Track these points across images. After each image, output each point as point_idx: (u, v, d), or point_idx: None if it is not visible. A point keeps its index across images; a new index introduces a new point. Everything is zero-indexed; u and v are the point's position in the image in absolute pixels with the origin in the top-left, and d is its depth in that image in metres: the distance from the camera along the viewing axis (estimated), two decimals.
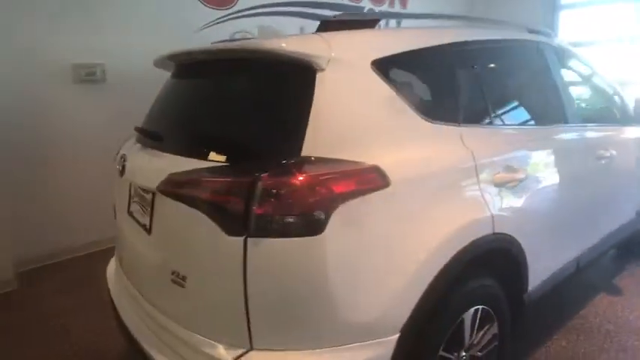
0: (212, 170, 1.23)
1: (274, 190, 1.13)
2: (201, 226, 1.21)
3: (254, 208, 1.12)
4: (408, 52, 1.51)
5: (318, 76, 1.27)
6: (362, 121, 1.32)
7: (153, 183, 1.43)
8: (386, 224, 1.26)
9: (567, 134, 2.14)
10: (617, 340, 2.31)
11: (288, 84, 1.31)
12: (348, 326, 1.21)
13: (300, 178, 1.13)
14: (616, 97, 2.72)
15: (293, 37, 1.41)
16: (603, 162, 2.38)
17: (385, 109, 1.38)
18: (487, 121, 1.72)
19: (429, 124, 1.47)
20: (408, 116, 1.42)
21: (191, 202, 1.24)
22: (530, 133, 1.91)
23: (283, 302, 1.17)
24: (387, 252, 1.26)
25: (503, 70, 1.98)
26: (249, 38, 1.85)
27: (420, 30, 1.69)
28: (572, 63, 2.43)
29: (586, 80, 2.53)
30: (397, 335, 1.28)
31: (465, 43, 1.72)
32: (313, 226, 1.13)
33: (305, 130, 1.21)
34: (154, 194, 1.48)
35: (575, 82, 2.36)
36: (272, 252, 1.14)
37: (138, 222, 1.62)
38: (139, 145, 1.66)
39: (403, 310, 1.29)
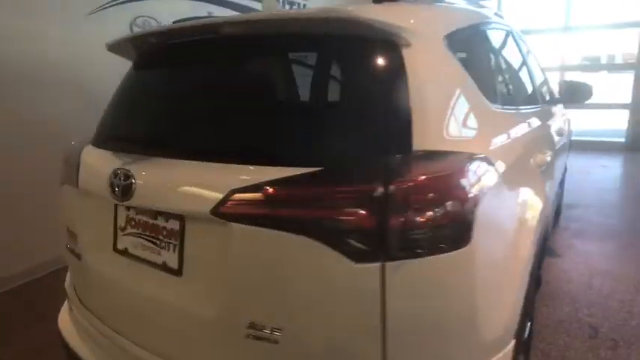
0: (308, 178, 0.91)
1: (416, 196, 0.87)
2: (302, 256, 0.90)
3: (393, 221, 0.85)
4: (463, 29, 1.36)
5: (405, 52, 1.04)
6: (447, 105, 1.13)
7: (186, 205, 1.03)
8: (503, 221, 1.11)
9: (545, 114, 2.26)
10: (580, 299, 2.56)
11: (371, 63, 1.04)
12: (483, 346, 1.03)
13: (444, 177, 0.90)
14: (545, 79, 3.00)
15: (363, 6, 1.12)
16: (556, 139, 2.60)
17: (461, 91, 1.21)
18: (517, 103, 1.68)
19: (491, 106, 1.35)
20: (478, 98, 1.28)
21: (285, 224, 0.90)
22: (537, 114, 1.94)
23: (425, 335, 0.93)
24: (508, 252, 1.11)
25: (508, 52, 1.98)
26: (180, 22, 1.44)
27: (454, 7, 1.55)
28: (528, 47, 2.59)
29: (534, 63, 2.73)
30: (513, 342, 1.15)
31: (491, 22, 1.65)
32: (463, 236, 0.91)
33: (410, 119, 0.97)
34: (183, 221, 1.07)
35: (532, 64, 2.51)
36: (416, 277, 0.89)
37: (145, 261, 1.17)
38: (132, 156, 1.18)
39: (517, 313, 1.16)
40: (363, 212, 0.86)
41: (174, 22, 1.67)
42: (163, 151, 1.12)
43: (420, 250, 0.88)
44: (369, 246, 0.86)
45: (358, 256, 0.86)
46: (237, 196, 0.94)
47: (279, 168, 0.94)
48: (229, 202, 0.94)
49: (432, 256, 0.88)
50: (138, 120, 1.31)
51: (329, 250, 0.87)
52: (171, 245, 1.11)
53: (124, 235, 1.24)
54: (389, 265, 0.86)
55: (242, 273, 0.97)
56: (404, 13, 1.13)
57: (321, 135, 0.99)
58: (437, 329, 0.93)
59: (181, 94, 1.24)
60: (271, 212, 0.92)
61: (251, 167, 0.97)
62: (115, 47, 1.47)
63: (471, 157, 1.01)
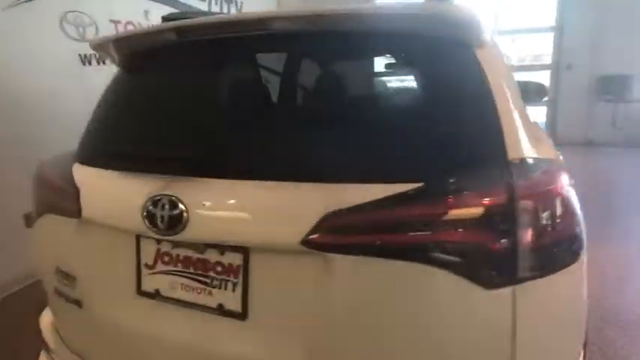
0: (420, 196, 0.79)
1: (543, 210, 0.80)
2: (420, 286, 0.79)
3: (524, 239, 0.77)
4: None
5: (478, 54, 0.97)
6: (519, 109, 1.07)
7: (261, 235, 0.86)
8: (583, 225, 1.07)
9: None
10: None
11: (454, 66, 0.95)
12: (578, 354, 0.98)
13: (561, 187, 0.84)
14: None
15: (433, 2, 1.02)
16: None
17: (518, 94, 1.17)
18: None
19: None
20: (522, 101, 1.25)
21: (400, 252, 0.77)
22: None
23: (545, 352, 0.86)
24: (587, 257, 1.08)
25: None
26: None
27: None
28: None
29: None
30: (582, 352, 1.13)
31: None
32: (579, 247, 0.86)
33: (501, 125, 0.90)
34: (247, 254, 0.89)
35: None
36: (542, 296, 0.82)
37: (188, 304, 0.96)
38: (165, 178, 0.95)
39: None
40: (491, 232, 0.77)
41: (163, 19, 1.45)
42: (213, 170, 0.92)
43: (547, 268, 0.81)
44: (500, 269, 0.78)
45: (489, 281, 0.77)
46: (335, 221, 0.79)
47: (372, 185, 0.82)
48: (325, 229, 0.79)
49: (556, 273, 0.82)
50: (165, 131, 1.07)
51: (454, 278, 0.76)
52: (229, 283, 0.92)
53: (152, 273, 1.01)
54: (519, 287, 0.78)
55: (342, 311, 0.82)
56: (470, 10, 1.06)
57: (415, 145, 0.87)
58: (554, 344, 0.87)
59: (234, 98, 1.03)
60: (382, 238, 0.79)
61: (341, 186, 0.83)
62: (105, 46, 1.22)
63: (561, 165, 0.96)
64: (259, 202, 0.86)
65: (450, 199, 0.79)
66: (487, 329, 0.79)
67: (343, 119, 0.90)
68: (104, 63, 3.48)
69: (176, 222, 0.89)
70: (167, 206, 0.89)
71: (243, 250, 0.90)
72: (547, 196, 0.82)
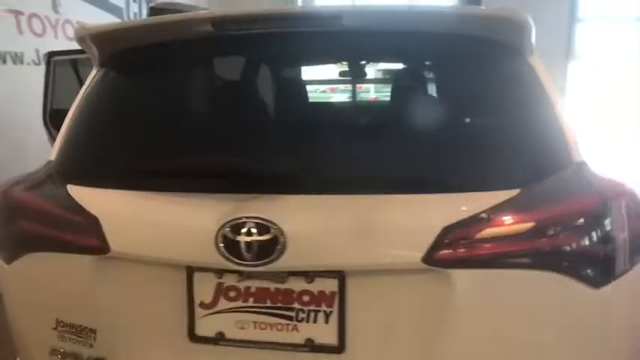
0: (531, 203, 0.78)
1: (630, 208, 0.84)
2: (545, 294, 0.79)
3: (620, 237, 0.81)
4: None
5: (531, 61, 1.00)
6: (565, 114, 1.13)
7: (371, 255, 0.78)
8: None
9: None
10: None
11: (518, 73, 0.96)
12: None
13: (630, 185, 0.89)
14: None
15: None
16: None
17: None
18: None
19: None
20: None
21: (525, 261, 0.76)
22: None
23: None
24: None
25: None
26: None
27: None
28: None
29: None
30: None
31: None
32: None
33: (564, 130, 0.94)
34: (342, 279, 0.79)
35: None
36: (629, 289, 0.85)
37: (264, 344, 0.83)
38: (231, 197, 0.80)
39: None
40: (594, 232, 0.79)
41: (151, 9, 1.25)
42: (304, 185, 0.80)
43: (633, 260, 0.84)
44: (604, 267, 0.80)
45: (597, 281, 0.79)
46: (458, 234, 0.74)
47: (475, 194, 0.79)
48: (448, 243, 0.73)
49: (638, 264, 0.86)
50: (227, 140, 0.90)
51: (572, 282, 0.77)
52: (320, 314, 0.80)
53: (210, 314, 0.84)
54: (616, 282, 0.81)
55: (468, 330, 0.77)
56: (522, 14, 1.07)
57: (505, 153, 0.87)
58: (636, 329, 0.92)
59: (324, 100, 0.89)
60: (501, 248, 0.76)
61: (449, 196, 0.78)
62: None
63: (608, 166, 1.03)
64: (368, 218, 0.77)
65: (558, 204, 0.79)
66: (599, 325, 0.81)
67: (444, 129, 0.85)
68: (22, 63, 2.92)
69: (269, 250, 0.74)
70: (255, 232, 0.75)
71: (339, 275, 0.79)
72: (626, 194, 0.87)
